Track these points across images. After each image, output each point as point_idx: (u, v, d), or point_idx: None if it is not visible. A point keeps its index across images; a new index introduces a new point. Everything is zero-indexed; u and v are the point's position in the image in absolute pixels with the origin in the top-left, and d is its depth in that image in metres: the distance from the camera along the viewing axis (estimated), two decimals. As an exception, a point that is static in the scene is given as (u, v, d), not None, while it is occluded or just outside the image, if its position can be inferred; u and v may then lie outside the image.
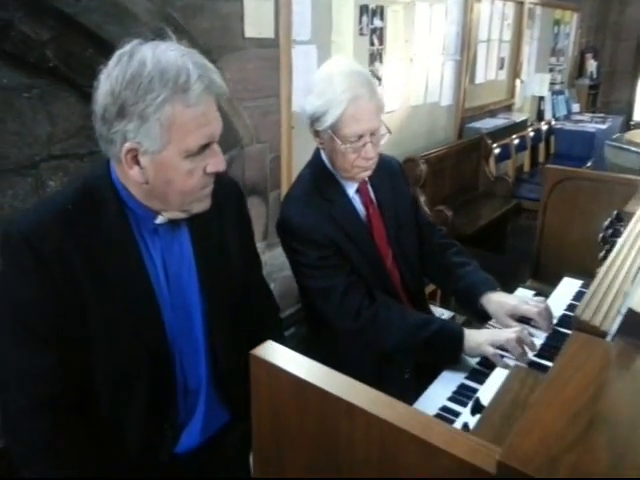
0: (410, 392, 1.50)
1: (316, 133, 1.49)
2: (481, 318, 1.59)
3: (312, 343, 1.74)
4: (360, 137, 1.41)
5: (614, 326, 0.85)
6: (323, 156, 1.55)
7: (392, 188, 1.64)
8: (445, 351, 1.39)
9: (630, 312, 0.81)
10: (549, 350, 1.34)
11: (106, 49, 1.80)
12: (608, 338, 0.86)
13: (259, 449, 0.85)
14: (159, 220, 1.13)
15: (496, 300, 1.52)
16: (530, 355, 1.32)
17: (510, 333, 1.33)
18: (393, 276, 1.61)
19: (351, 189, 1.54)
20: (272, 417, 0.81)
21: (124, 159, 1.03)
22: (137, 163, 1.03)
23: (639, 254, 1.12)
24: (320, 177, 1.53)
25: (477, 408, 0.97)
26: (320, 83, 1.43)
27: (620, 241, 1.21)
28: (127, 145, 1.01)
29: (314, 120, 1.45)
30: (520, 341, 1.31)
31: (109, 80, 1.00)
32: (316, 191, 1.50)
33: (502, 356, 1.31)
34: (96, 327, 1.06)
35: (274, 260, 2.84)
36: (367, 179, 1.56)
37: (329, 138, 1.45)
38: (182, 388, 1.19)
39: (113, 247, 1.08)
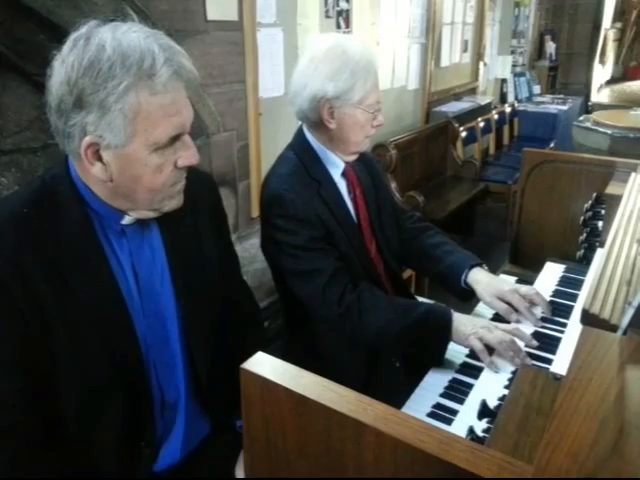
0: (403, 381, 1.44)
1: (330, 114, 1.41)
2: (464, 300, 1.55)
3: (293, 335, 1.66)
4: (377, 104, 1.43)
5: (625, 319, 0.81)
6: (309, 138, 1.49)
7: (369, 173, 1.62)
8: (434, 336, 1.29)
9: (644, 305, 0.77)
10: (540, 339, 1.30)
11: (59, 34, 1.65)
12: (619, 332, 0.81)
13: (252, 474, 0.77)
14: (126, 220, 1.03)
15: (485, 282, 1.46)
16: (523, 361, 1.19)
17: (503, 333, 1.23)
18: (377, 265, 1.56)
19: (336, 173, 1.50)
20: (267, 439, 0.73)
21: (84, 155, 0.92)
22: (99, 159, 0.93)
23: (634, 240, 1.09)
24: (306, 158, 1.47)
25: (484, 412, 0.92)
26: (332, 61, 1.37)
27: (613, 227, 1.17)
28: (87, 139, 0.91)
29: (336, 98, 1.38)
30: (514, 344, 1.21)
31: (64, 67, 0.89)
32: (304, 170, 1.44)
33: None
34: (61, 343, 0.95)
35: (245, 253, 2.76)
36: (352, 162, 1.54)
37: (347, 114, 1.40)
38: (159, 402, 1.10)
39: (76, 253, 0.97)
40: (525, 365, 1.00)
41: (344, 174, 1.51)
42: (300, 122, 1.52)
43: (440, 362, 1.27)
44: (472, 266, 1.51)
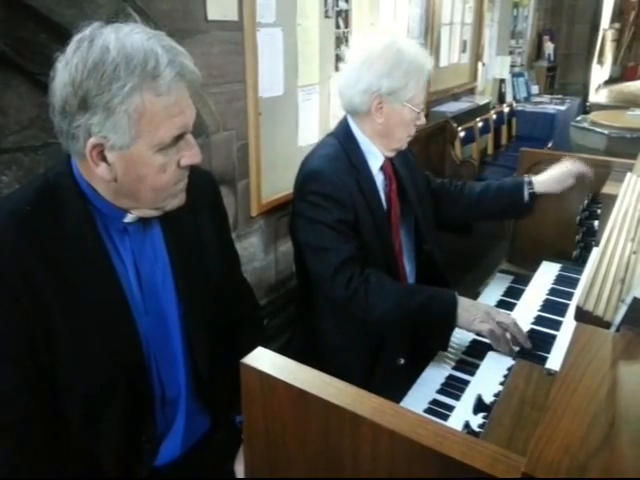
0: (404, 379, 1.46)
1: (379, 109, 1.47)
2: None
3: (305, 326, 1.69)
4: (422, 104, 1.51)
5: (618, 316, 0.83)
6: (354, 128, 1.53)
7: (409, 169, 1.66)
8: (439, 320, 1.32)
9: (636, 302, 0.78)
10: (536, 337, 1.32)
11: (60, 34, 1.67)
12: (612, 329, 0.83)
13: (251, 468, 0.79)
14: (128, 219, 1.04)
15: (546, 177, 1.65)
16: (524, 344, 1.26)
17: (506, 316, 1.28)
18: (399, 262, 1.60)
19: (375, 166, 1.54)
20: (267, 433, 0.74)
21: (89, 156, 0.94)
22: (104, 159, 0.95)
23: (628, 239, 1.11)
24: (348, 145, 1.52)
25: (480, 406, 0.94)
26: (387, 59, 1.43)
27: (608, 226, 1.19)
28: (92, 140, 0.92)
29: (388, 94, 1.44)
30: (515, 326, 1.27)
31: (68, 69, 0.90)
32: (345, 155, 1.49)
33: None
34: (63, 340, 0.96)
35: (244, 251, 2.77)
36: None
37: (395, 110, 1.46)
38: (160, 398, 1.11)
39: (78, 251, 0.98)
40: (520, 360, 1.02)
41: (382, 168, 1.55)
42: (345, 114, 1.57)
43: (445, 346, 1.32)
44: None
